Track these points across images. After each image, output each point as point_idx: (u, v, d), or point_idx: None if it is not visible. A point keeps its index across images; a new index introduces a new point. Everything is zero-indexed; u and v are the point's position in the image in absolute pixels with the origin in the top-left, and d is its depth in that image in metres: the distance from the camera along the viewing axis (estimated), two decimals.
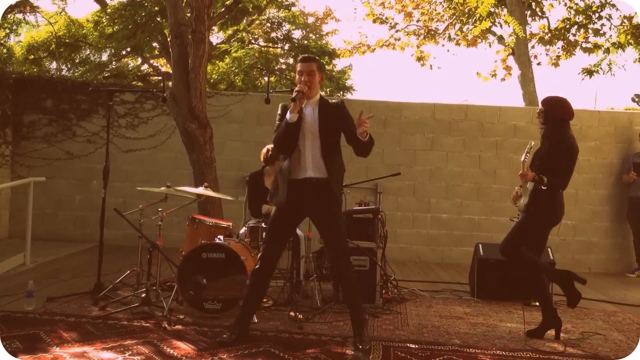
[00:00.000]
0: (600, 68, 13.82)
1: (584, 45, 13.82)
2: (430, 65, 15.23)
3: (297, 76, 4.16)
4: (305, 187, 4.08)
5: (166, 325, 4.33)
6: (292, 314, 4.77)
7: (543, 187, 4.45)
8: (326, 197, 4.07)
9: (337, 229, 4.08)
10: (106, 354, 3.67)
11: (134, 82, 15.09)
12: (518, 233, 4.62)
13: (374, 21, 14.91)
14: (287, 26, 17.28)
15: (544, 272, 4.63)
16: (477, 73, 14.34)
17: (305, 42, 17.46)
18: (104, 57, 15.00)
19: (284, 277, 5.36)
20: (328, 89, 17.15)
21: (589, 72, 13.95)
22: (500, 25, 13.97)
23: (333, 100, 4.26)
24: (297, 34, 17.86)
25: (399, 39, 15.30)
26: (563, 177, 4.47)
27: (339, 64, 18.38)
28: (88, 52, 14.86)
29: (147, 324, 4.38)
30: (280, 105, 4.25)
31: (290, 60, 17.75)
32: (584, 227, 8.46)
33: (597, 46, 13.62)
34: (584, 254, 8.59)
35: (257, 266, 4.18)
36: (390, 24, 15.05)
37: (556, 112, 4.58)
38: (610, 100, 43.33)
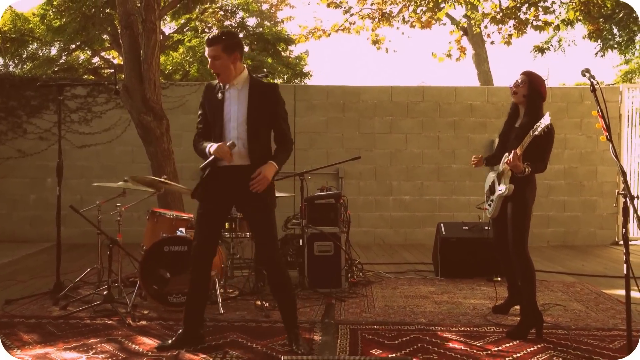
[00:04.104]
0: (551, 45, 14.12)
1: (534, 23, 14.04)
2: (386, 49, 15.20)
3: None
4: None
5: (130, 322, 4.25)
6: (258, 302, 4.75)
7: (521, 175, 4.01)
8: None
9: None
10: (69, 354, 3.59)
11: (85, 76, 14.75)
12: (518, 227, 4.09)
13: (328, 5, 14.80)
14: (240, 14, 17.10)
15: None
16: (433, 53, 14.40)
17: (260, 29, 17.32)
18: (53, 51, 14.61)
19: (249, 266, 5.32)
20: (285, 76, 17.07)
21: (541, 50, 14.24)
22: (454, 6, 14.07)
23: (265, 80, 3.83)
24: (251, 21, 17.71)
25: (354, 23, 15.25)
26: (545, 161, 4.09)
27: (295, 50, 18.32)
28: (36, 46, 14.45)
29: (111, 322, 4.30)
30: (205, 85, 3.97)
31: (246, 49, 17.58)
32: (540, 202, 8.60)
33: (547, 23, 13.86)
34: (542, 227, 8.79)
35: (192, 275, 3.72)
36: (345, 7, 14.99)
37: (538, 87, 4.17)
38: (562, 76, 44.34)
